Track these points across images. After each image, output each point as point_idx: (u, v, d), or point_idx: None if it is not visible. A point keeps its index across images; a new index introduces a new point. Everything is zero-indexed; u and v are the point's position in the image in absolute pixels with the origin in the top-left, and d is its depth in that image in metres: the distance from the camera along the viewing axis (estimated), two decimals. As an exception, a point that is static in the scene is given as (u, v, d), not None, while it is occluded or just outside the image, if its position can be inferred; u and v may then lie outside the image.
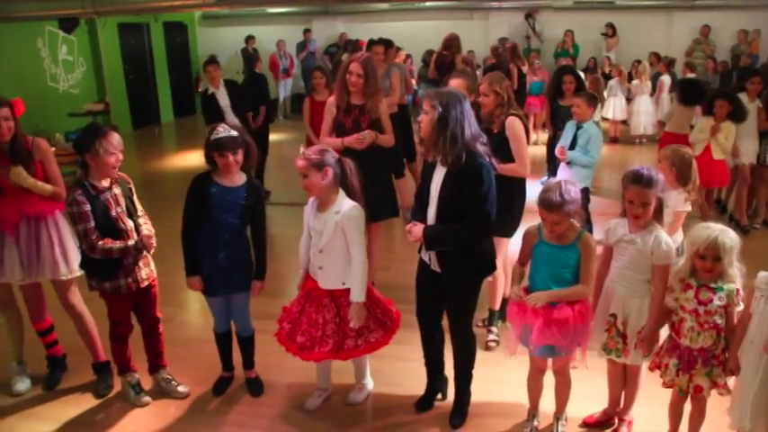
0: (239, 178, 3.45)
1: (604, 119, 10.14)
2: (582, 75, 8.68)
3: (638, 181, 2.90)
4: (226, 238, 3.42)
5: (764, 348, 2.66)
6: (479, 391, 3.52)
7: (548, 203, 2.90)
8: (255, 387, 3.77)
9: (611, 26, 13.44)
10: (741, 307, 2.77)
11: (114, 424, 3.53)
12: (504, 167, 3.84)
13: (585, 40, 13.47)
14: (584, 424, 3.38)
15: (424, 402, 3.56)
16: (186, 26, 15.37)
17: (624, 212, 3.03)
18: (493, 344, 4.21)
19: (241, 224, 3.47)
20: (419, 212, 3.22)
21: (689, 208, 3.73)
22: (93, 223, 3.30)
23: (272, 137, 8.12)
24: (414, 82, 9.91)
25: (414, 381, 3.70)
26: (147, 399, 3.69)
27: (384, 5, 13.96)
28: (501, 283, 4.25)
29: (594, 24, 13.50)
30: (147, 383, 3.79)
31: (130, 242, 3.39)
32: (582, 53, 13.27)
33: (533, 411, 3.36)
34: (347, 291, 3.25)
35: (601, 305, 3.14)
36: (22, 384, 3.83)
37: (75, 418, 3.58)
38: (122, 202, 3.46)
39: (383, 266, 4.95)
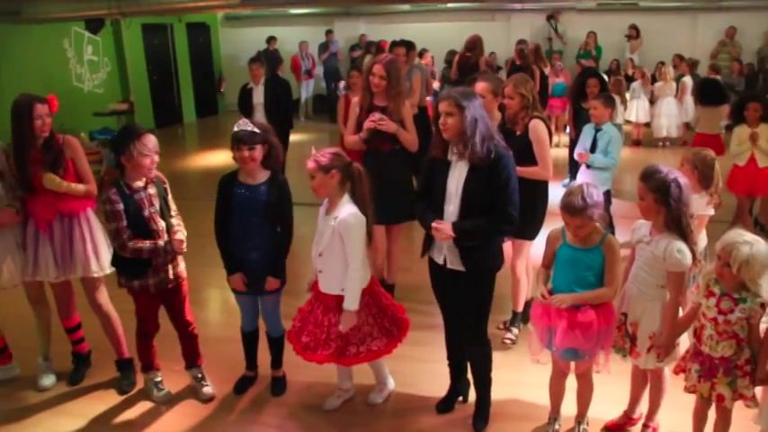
0: (262, 176, 3.43)
1: (627, 121, 10.05)
2: (605, 77, 8.61)
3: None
4: (253, 238, 3.42)
5: None
6: (500, 394, 3.51)
7: (570, 208, 2.89)
8: (279, 386, 3.78)
9: (634, 28, 13.27)
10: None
11: (136, 421, 3.57)
12: (526, 171, 3.84)
13: (608, 41, 13.32)
14: (606, 428, 3.36)
15: (446, 404, 3.56)
16: (209, 27, 15.49)
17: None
18: (508, 341, 4.20)
19: (267, 223, 3.43)
20: (433, 212, 3.16)
21: (711, 212, 3.69)
22: (125, 222, 3.32)
23: (294, 137, 8.15)
24: (436, 83, 9.90)
25: (434, 382, 3.70)
26: (168, 397, 3.72)
27: (405, 7, 13.97)
28: (524, 285, 4.24)
29: (618, 26, 13.34)
30: (171, 383, 3.82)
31: (160, 242, 3.41)
32: (605, 55, 13.12)
33: (555, 414, 3.34)
34: None
35: (617, 304, 3.12)
36: (48, 380, 3.89)
37: (100, 414, 3.63)
38: (156, 202, 3.47)
39: (404, 267, 4.95)
